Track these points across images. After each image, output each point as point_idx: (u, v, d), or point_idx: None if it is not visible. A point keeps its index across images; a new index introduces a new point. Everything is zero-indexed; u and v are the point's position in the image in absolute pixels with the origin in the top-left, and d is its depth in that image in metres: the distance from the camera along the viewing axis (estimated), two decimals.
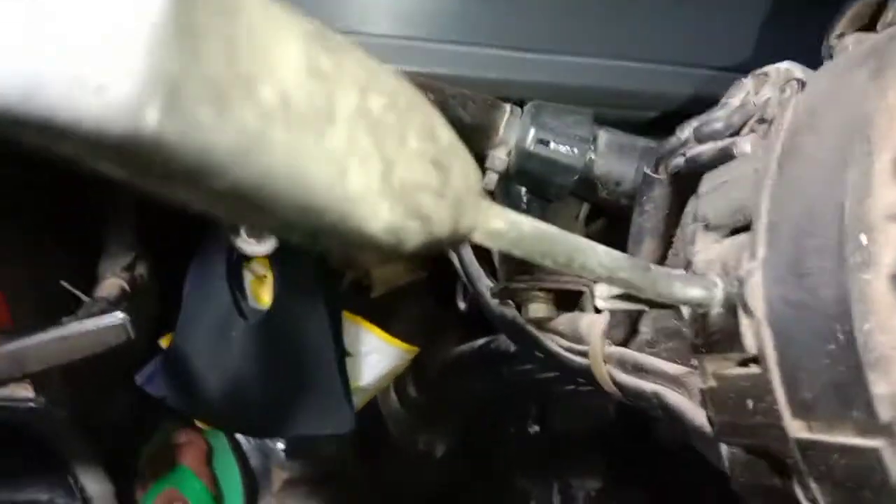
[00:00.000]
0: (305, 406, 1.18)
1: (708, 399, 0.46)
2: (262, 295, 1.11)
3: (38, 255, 1.12)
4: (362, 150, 0.26)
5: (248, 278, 1.12)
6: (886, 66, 0.38)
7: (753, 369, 0.42)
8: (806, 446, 0.39)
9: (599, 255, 0.40)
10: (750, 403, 0.42)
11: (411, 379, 1.61)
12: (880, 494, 0.36)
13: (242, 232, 1.00)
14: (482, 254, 0.88)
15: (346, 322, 1.19)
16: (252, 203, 0.24)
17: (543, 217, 0.75)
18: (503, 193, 0.79)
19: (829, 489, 0.39)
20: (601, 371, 0.62)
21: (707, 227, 0.49)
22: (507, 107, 0.73)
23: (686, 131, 0.56)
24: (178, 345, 1.11)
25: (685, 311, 0.47)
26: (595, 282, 0.45)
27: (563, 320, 0.70)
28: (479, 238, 0.34)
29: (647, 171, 0.60)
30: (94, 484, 1.38)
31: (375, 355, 1.23)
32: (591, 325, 0.66)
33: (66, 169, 0.22)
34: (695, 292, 0.44)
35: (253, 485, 1.60)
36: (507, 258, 0.88)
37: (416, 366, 1.58)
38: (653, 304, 0.47)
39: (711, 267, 0.47)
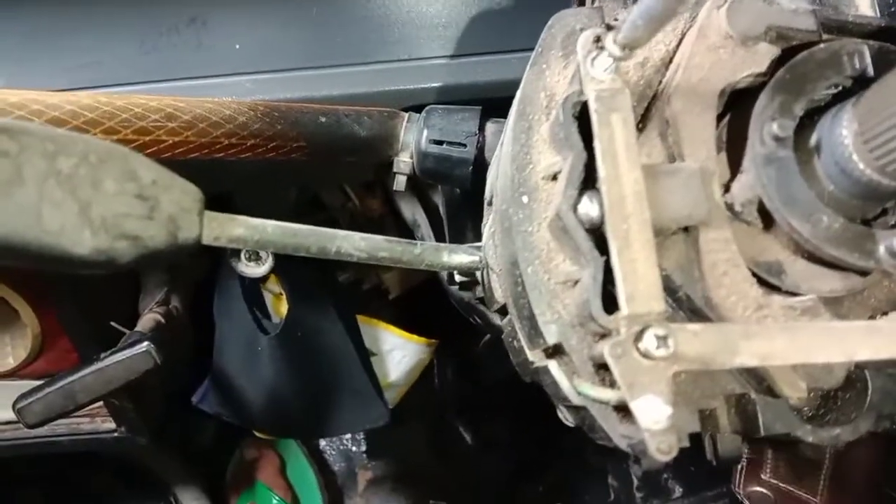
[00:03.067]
0: (340, 406, 1.30)
1: (507, 348, 0.54)
2: (281, 310, 1.24)
3: (96, 301, 1.30)
4: (54, 198, 0.37)
5: (268, 297, 1.26)
6: (544, 51, 0.45)
7: (507, 318, 0.50)
8: (538, 372, 0.47)
9: (355, 241, 0.49)
10: (515, 344, 0.50)
11: (457, 372, 1.71)
12: (559, 403, 0.43)
13: (242, 257, 1.13)
14: None
15: (364, 325, 1.31)
16: None
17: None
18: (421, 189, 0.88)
19: (562, 408, 0.47)
20: None
21: (489, 203, 0.57)
22: (405, 115, 0.82)
23: None
24: (217, 364, 1.26)
25: (457, 276, 0.55)
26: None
27: None
28: (225, 243, 0.45)
29: None
30: (192, 501, 1.55)
31: (398, 352, 1.34)
32: None
33: None
34: (461, 259, 0.52)
35: (335, 488, 1.72)
36: None
37: (455, 358, 1.67)
38: None
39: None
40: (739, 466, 1.33)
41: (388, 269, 1.37)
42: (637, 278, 0.38)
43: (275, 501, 1.55)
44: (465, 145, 0.79)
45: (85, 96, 0.62)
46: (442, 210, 1.02)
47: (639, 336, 0.37)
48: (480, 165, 0.80)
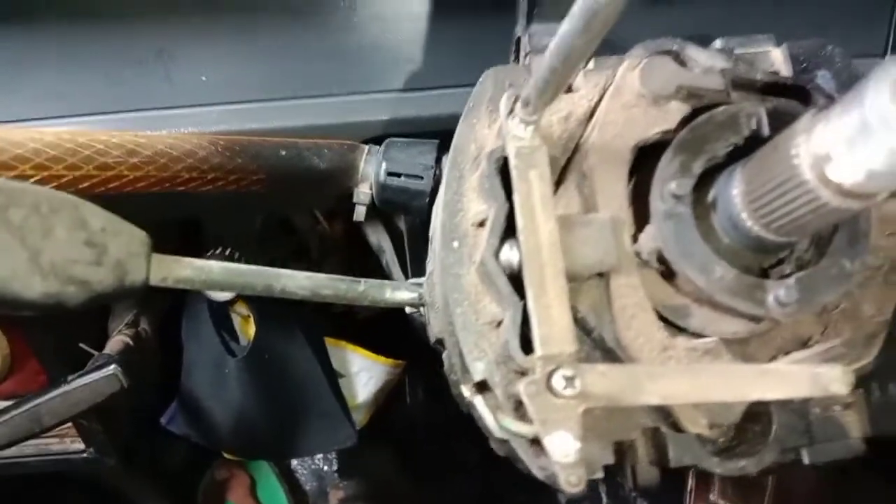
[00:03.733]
0: (308, 427, 1.32)
1: (448, 380, 0.57)
2: (249, 332, 1.26)
3: (65, 323, 1.31)
4: (4, 246, 0.39)
5: (236, 320, 1.28)
6: (475, 105, 0.48)
7: (445, 352, 0.53)
8: (470, 406, 0.49)
9: (299, 280, 0.52)
10: (452, 377, 0.53)
11: (427, 392, 1.73)
12: (488, 436, 0.46)
13: None
14: None
15: (332, 347, 1.33)
16: None
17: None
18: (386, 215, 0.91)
19: (491, 440, 0.50)
20: None
21: (431, 241, 0.60)
22: (365, 147, 0.85)
23: None
24: (185, 386, 1.28)
25: (408, 310, 0.58)
26: None
27: None
28: (172, 284, 0.47)
29: None
30: None
31: (365, 373, 1.36)
32: None
33: None
34: (403, 295, 0.55)
35: None
36: None
37: (424, 378, 1.70)
38: None
39: None
40: (689, 488, 1.37)
41: None
42: (551, 322, 0.41)
43: None
44: (422, 177, 0.82)
45: (48, 133, 0.65)
46: (405, 237, 1.06)
47: (551, 376, 0.40)
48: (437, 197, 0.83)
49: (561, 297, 0.41)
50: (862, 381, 0.47)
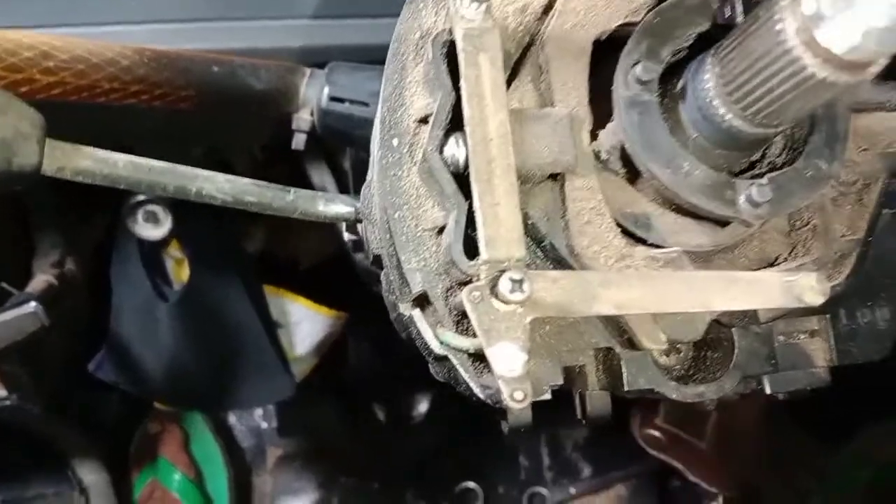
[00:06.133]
0: (243, 377, 1.27)
1: (385, 303, 0.53)
2: (182, 276, 1.20)
3: None
4: None
5: (168, 263, 1.21)
6: None
7: (384, 272, 0.48)
8: (409, 324, 0.45)
9: (219, 182, 0.46)
10: (391, 298, 0.48)
11: (371, 347, 1.69)
12: (427, 356, 0.42)
13: (139, 217, 1.09)
14: None
15: (272, 296, 1.28)
16: None
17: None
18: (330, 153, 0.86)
19: (430, 362, 0.45)
20: None
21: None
22: (308, 70, 0.79)
23: None
24: (114, 331, 1.21)
25: (341, 226, 0.53)
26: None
27: None
28: (70, 176, 0.42)
29: None
30: (90, 475, 1.49)
31: (306, 324, 1.31)
32: None
33: None
34: (337, 209, 0.50)
35: (242, 465, 1.68)
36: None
37: (368, 331, 1.65)
38: None
39: None
40: (636, 413, 1.41)
41: (300, 239, 1.34)
42: (498, 223, 0.36)
43: (176, 477, 1.50)
44: (367, 104, 0.77)
45: None
46: (350, 176, 1.00)
47: (496, 281, 0.35)
48: None
49: (510, 195, 0.36)
50: (829, 306, 0.44)
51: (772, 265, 0.44)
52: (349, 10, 0.81)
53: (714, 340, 0.44)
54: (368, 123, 0.77)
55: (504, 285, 0.35)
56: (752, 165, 0.41)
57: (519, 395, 0.35)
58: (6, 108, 0.38)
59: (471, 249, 0.38)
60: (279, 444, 1.73)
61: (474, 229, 0.38)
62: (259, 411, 1.70)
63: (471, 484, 1.74)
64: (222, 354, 1.23)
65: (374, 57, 0.81)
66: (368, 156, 0.87)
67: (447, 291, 0.40)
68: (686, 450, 1.38)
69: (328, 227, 1.33)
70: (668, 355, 0.45)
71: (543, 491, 1.76)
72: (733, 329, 0.43)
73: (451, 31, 0.39)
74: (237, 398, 1.28)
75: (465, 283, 0.39)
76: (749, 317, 0.42)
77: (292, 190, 0.48)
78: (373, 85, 0.78)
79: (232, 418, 1.70)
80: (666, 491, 1.62)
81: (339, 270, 1.39)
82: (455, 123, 0.39)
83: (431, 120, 0.39)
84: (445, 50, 0.39)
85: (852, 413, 1.21)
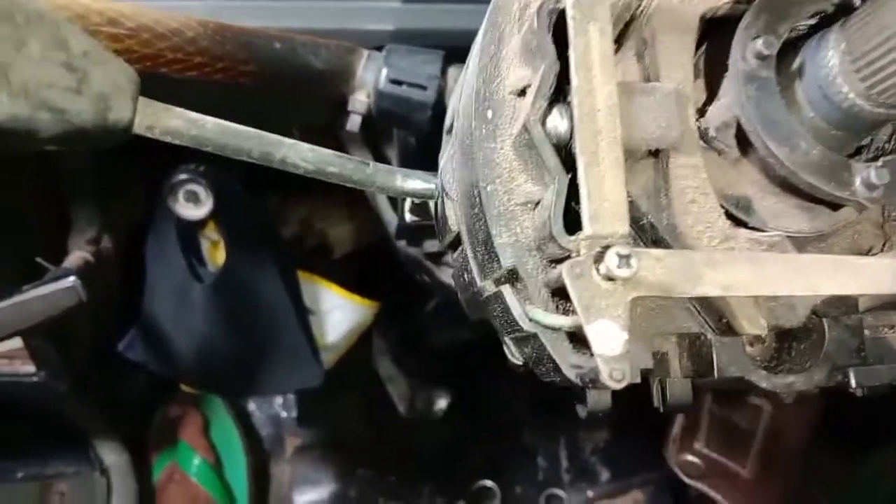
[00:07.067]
0: (273, 363, 1.26)
1: (455, 284, 0.52)
2: (218, 259, 1.19)
3: (23, 235, 1.23)
4: None
5: (204, 244, 1.20)
6: None
7: (458, 251, 0.47)
8: (488, 302, 0.44)
9: (302, 151, 0.45)
10: (465, 277, 0.48)
11: (396, 339, 1.68)
12: (508, 335, 0.41)
13: (180, 196, 1.08)
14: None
15: (305, 282, 1.27)
16: None
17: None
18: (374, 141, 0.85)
19: (509, 340, 0.45)
20: None
21: (448, 131, 0.54)
22: (365, 52, 0.79)
23: None
24: (147, 311, 1.20)
25: (407, 203, 0.52)
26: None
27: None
28: (159, 135, 0.41)
29: None
30: (111, 454, 1.49)
31: (338, 312, 1.30)
32: None
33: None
34: (415, 184, 0.49)
35: (260, 452, 1.68)
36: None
37: (397, 324, 1.64)
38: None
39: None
40: (673, 434, 1.35)
41: (334, 226, 1.33)
42: (603, 197, 0.35)
43: (196, 461, 1.49)
44: (425, 88, 0.76)
45: None
46: (395, 164, 0.99)
47: (599, 257, 0.34)
48: (439, 112, 0.77)
49: (616, 169, 0.35)
50: None
51: (864, 255, 0.43)
52: None
53: (801, 330, 0.43)
54: (424, 107, 0.77)
55: (611, 260, 0.34)
56: (858, 150, 0.40)
57: (618, 374, 0.34)
58: (104, 60, 0.37)
59: (567, 224, 0.37)
60: (298, 434, 1.72)
61: (571, 205, 0.37)
62: (279, 399, 1.70)
63: (488, 482, 1.73)
64: (254, 339, 1.23)
65: (430, 42, 0.81)
66: (419, 143, 0.87)
67: (539, 268, 0.39)
68: (726, 477, 1.31)
69: (362, 216, 1.32)
70: (751, 345, 0.44)
71: (561, 493, 1.75)
72: (824, 319, 0.42)
73: (557, 1, 0.38)
74: (266, 384, 1.28)
75: (560, 260, 0.38)
76: (848, 306, 0.41)
77: (371, 164, 0.47)
78: (431, 68, 0.77)
79: (251, 405, 1.69)
80: (683, 498, 1.61)
81: (370, 260, 1.38)
82: (556, 95, 0.38)
83: (534, 90, 0.38)
84: (552, 19, 0.38)
85: (877, 424, 1.19)
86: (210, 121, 0.42)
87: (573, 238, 0.36)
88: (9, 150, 0.35)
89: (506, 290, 0.40)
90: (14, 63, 0.34)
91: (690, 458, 1.34)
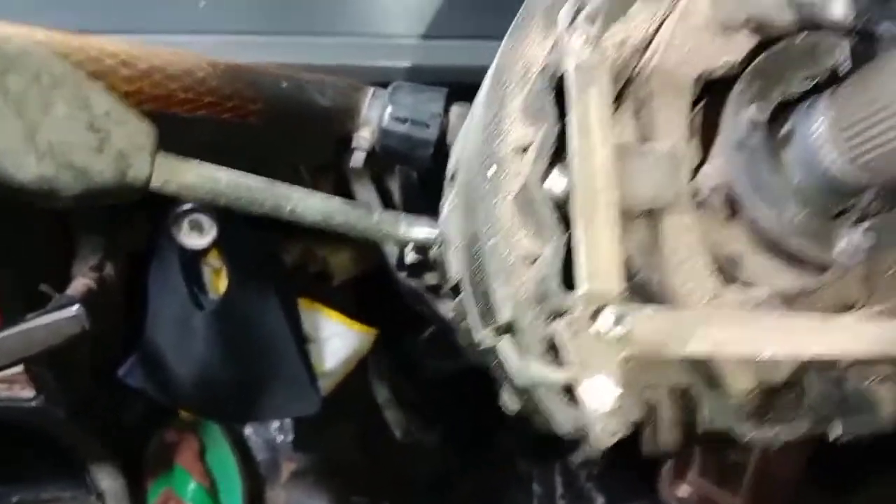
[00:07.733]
0: (271, 390, 1.27)
1: (455, 330, 0.53)
2: (220, 286, 1.20)
3: (27, 263, 1.24)
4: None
5: (206, 272, 1.22)
6: (525, 20, 0.45)
7: (458, 298, 0.49)
8: (486, 353, 0.46)
9: (313, 201, 0.47)
10: (464, 325, 0.49)
11: (392, 366, 1.69)
12: (504, 385, 0.43)
13: (185, 226, 1.10)
14: None
15: (305, 309, 1.28)
16: None
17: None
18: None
19: (506, 391, 0.46)
20: None
21: (451, 178, 0.56)
22: (371, 89, 0.80)
23: None
24: (148, 338, 1.21)
25: (408, 250, 0.54)
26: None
27: None
28: (174, 190, 0.42)
29: None
30: (107, 480, 1.49)
31: (336, 339, 1.31)
32: None
33: None
34: (418, 232, 0.51)
35: (256, 477, 1.68)
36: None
37: (393, 351, 1.65)
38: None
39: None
40: (667, 464, 1.36)
41: (334, 253, 1.35)
42: (599, 256, 0.37)
43: (191, 486, 1.50)
44: (428, 125, 0.78)
45: (38, 31, 0.59)
46: (397, 198, 1.01)
47: (595, 315, 0.36)
48: (441, 149, 0.79)
49: (612, 229, 0.37)
50: None
51: (849, 310, 0.45)
52: (410, 31, 0.83)
53: (786, 383, 0.45)
54: (426, 144, 0.79)
55: (606, 319, 0.35)
56: (843, 211, 0.42)
57: (611, 428, 0.36)
58: (124, 118, 0.39)
59: (564, 281, 0.39)
60: (294, 459, 1.72)
61: (568, 263, 0.39)
62: (275, 424, 1.70)
63: None
64: (253, 366, 1.24)
65: (434, 79, 0.83)
66: (421, 177, 0.89)
67: (537, 321, 0.41)
68: None
69: (362, 244, 1.34)
70: (738, 398, 0.45)
71: None
72: (806, 373, 0.44)
73: (558, 64, 0.40)
74: (264, 410, 1.28)
75: (557, 315, 0.40)
76: (830, 361, 0.43)
77: (377, 212, 0.49)
78: (434, 106, 0.79)
79: (248, 430, 1.69)
80: None
81: (368, 287, 1.39)
82: (556, 155, 0.40)
83: (535, 150, 0.40)
84: (553, 82, 0.40)
85: (864, 459, 1.20)
86: (224, 174, 0.43)
87: (569, 295, 0.38)
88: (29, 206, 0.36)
89: (503, 343, 0.41)
90: (41, 125, 0.36)
91: (684, 487, 1.36)
